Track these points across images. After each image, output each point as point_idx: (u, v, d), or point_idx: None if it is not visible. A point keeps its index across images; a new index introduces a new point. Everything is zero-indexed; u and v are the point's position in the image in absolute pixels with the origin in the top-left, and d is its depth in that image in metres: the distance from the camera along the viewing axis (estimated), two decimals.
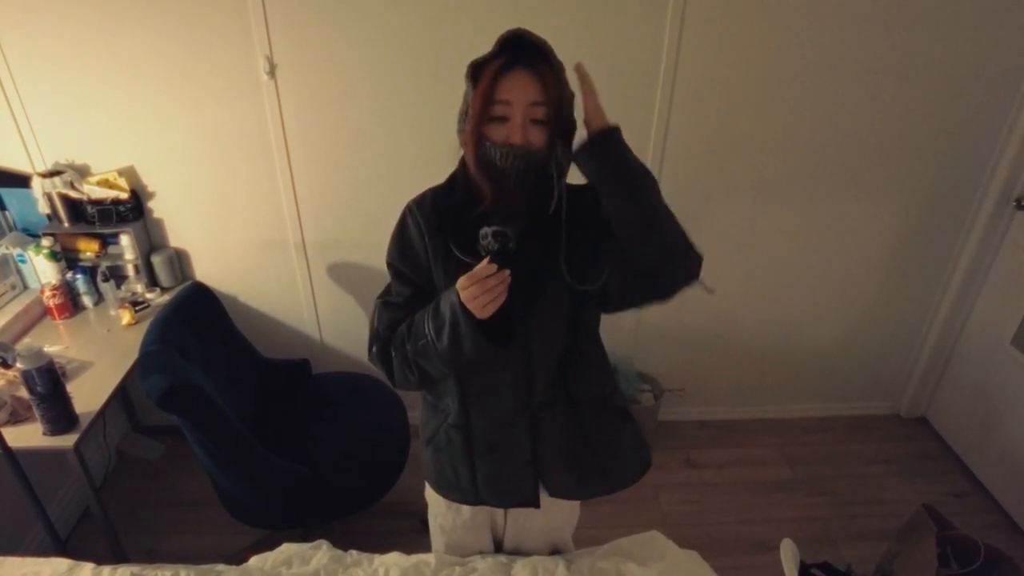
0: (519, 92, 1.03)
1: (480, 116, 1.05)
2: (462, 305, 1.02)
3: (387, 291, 1.22)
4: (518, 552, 1.50)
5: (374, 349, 1.20)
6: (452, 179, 1.18)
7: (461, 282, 1.01)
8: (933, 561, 1.69)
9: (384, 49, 2.03)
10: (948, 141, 2.27)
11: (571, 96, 1.09)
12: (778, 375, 2.76)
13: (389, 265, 1.21)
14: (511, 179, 1.06)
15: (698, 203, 2.33)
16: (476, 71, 1.06)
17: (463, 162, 1.14)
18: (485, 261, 0.99)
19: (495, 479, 1.28)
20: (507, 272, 0.98)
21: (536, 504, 1.31)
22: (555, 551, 1.52)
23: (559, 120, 1.07)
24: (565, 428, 1.25)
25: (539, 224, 1.11)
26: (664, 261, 1.08)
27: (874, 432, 2.79)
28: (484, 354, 1.06)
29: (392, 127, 2.15)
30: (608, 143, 1.05)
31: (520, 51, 1.04)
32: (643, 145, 2.21)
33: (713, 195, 2.32)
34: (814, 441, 2.74)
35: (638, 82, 2.11)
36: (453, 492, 1.35)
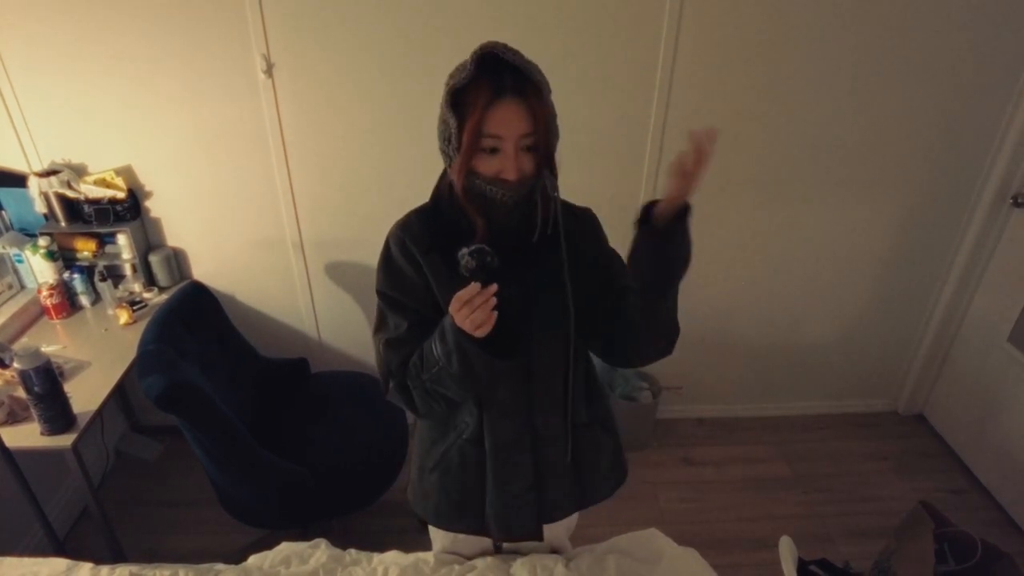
0: (510, 126, 0.99)
1: (470, 151, 1.01)
2: (457, 327, 1.01)
3: (382, 325, 1.17)
4: (517, 553, 1.50)
5: (391, 386, 1.17)
6: (436, 198, 1.15)
7: (451, 307, 1.00)
8: (930, 558, 1.69)
9: (382, 48, 2.03)
10: (945, 139, 2.28)
11: (554, 115, 1.05)
12: (776, 372, 2.77)
13: (381, 294, 1.16)
14: (502, 211, 1.06)
15: (696, 200, 2.31)
16: (456, 97, 1.01)
17: (449, 182, 1.11)
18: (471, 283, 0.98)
19: (500, 507, 1.27)
20: (493, 287, 0.97)
21: (540, 537, 1.32)
22: (554, 551, 1.52)
23: (547, 145, 1.04)
24: (561, 445, 1.25)
25: (533, 243, 1.09)
26: (649, 343, 1.16)
27: (872, 429, 2.80)
28: (493, 369, 1.05)
29: (390, 126, 2.15)
30: (686, 225, 1.03)
31: (503, 74, 0.98)
32: (641, 143, 2.21)
33: (710, 192, 2.32)
34: (812, 438, 2.74)
35: (635, 78, 2.10)
36: (456, 521, 1.33)
